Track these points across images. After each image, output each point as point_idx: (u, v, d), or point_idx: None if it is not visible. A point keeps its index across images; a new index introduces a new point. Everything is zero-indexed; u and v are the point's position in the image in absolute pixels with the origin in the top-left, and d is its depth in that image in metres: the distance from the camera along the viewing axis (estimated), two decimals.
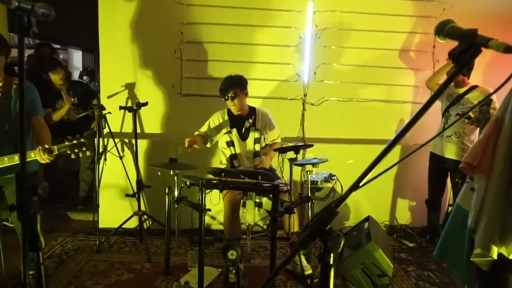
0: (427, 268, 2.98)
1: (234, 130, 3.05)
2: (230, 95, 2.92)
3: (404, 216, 3.82)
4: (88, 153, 1.98)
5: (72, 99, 3.73)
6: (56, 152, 1.97)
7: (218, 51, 3.53)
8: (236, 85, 2.92)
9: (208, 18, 3.47)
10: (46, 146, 1.96)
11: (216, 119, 3.10)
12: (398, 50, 3.63)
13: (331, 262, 0.89)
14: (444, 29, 0.88)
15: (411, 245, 3.40)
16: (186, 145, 2.85)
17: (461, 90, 3.12)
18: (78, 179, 4.09)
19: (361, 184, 0.86)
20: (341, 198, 0.87)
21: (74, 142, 1.93)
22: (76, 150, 1.93)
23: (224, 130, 3.07)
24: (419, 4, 3.57)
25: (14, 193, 2.12)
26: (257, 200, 2.89)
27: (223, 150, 3.12)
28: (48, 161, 2.01)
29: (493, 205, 1.29)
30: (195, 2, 3.45)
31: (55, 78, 3.63)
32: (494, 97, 2.74)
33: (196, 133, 3.11)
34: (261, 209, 2.98)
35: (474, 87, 3.07)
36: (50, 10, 1.11)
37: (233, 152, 3.05)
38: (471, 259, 1.36)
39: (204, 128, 3.12)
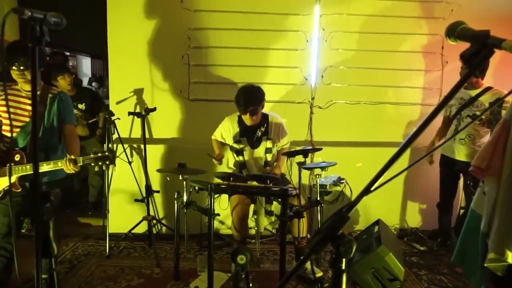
0: (439, 272, 2.94)
1: (244, 139, 3.02)
2: (249, 112, 2.85)
3: (414, 219, 3.77)
4: (112, 166, 2.07)
5: (80, 105, 3.78)
6: (81, 164, 2.04)
7: (225, 56, 3.55)
8: (256, 103, 2.84)
9: (215, 23, 3.50)
10: (72, 156, 2.02)
11: (226, 127, 3.08)
12: (406, 52, 3.61)
13: (343, 267, 0.88)
14: (455, 31, 0.88)
15: (422, 248, 3.36)
16: (217, 162, 2.96)
17: (474, 92, 3.07)
18: (87, 184, 4.13)
19: (372, 189, 0.85)
20: (353, 203, 0.86)
21: (99, 155, 1.98)
22: (100, 163, 1.98)
23: (232, 138, 3.05)
24: (426, 5, 3.55)
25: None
26: (268, 209, 2.84)
27: (233, 154, 3.12)
28: (73, 171, 2.07)
29: (504, 208, 1.27)
30: (202, 8, 3.48)
31: (63, 83, 3.68)
32: (510, 98, 2.69)
33: (213, 138, 3.18)
34: (271, 217, 2.91)
35: (488, 89, 3.02)
36: (62, 19, 1.12)
37: (242, 160, 3.03)
38: (485, 264, 1.33)
39: (218, 135, 3.16)
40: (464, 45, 0.85)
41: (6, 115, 2.23)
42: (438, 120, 3.30)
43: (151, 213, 3.34)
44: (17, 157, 2.15)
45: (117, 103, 3.57)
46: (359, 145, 3.65)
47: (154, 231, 3.44)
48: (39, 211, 1.09)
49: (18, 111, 2.21)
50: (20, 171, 2.11)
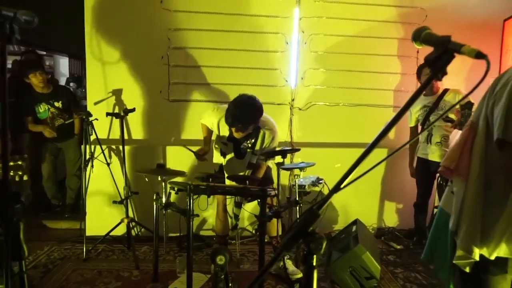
0: (414, 270, 3.02)
1: (231, 145, 2.80)
2: (236, 128, 2.54)
3: (391, 219, 3.86)
4: (25, 178, 1.61)
5: (56, 103, 3.67)
6: None
7: (206, 57, 3.55)
8: (242, 121, 2.50)
9: (195, 24, 3.49)
10: None
11: (216, 122, 2.79)
12: (383, 55, 3.70)
13: (314, 264, 0.90)
14: (420, 36, 0.92)
15: (398, 247, 3.44)
16: (200, 159, 2.85)
17: (435, 97, 3.21)
18: (64, 186, 4.04)
19: (342, 186, 0.88)
20: (323, 200, 0.88)
21: (11, 163, 1.59)
22: (11, 173, 1.59)
23: (221, 139, 2.83)
24: (403, 11, 3.65)
25: None
26: (237, 200, 2.73)
27: (216, 151, 3.06)
28: None
29: (472, 207, 1.33)
30: (182, 8, 3.47)
31: (35, 81, 3.50)
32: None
33: (202, 122, 2.92)
34: (240, 209, 2.77)
35: (446, 90, 3.20)
36: (33, 17, 1.10)
37: (222, 163, 2.91)
38: (453, 261, 1.38)
39: (208, 123, 2.88)
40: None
41: None
42: (404, 121, 3.42)
43: (130, 214, 3.30)
44: None
45: (95, 103, 3.51)
46: (338, 146, 3.71)
47: (133, 233, 3.40)
48: (9, 212, 1.07)
49: None
50: None
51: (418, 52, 3.68)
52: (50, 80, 3.87)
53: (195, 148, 2.93)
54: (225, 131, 2.76)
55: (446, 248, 1.48)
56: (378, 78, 3.74)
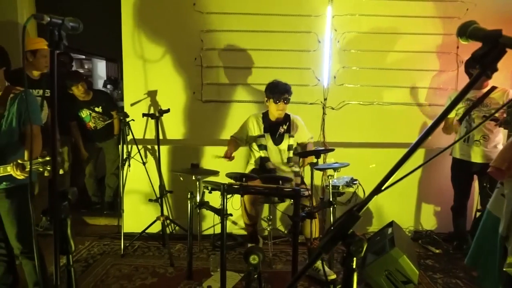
0: (455, 276, 2.89)
1: (268, 135, 3.09)
2: (283, 99, 2.97)
3: (429, 222, 3.72)
4: (61, 171, 1.77)
5: (97, 108, 3.88)
6: (28, 169, 1.85)
7: (238, 57, 3.58)
8: (288, 91, 3.00)
9: (227, 25, 3.53)
10: (19, 161, 1.87)
11: (251, 123, 3.14)
12: (420, 52, 3.57)
13: (354, 266, 0.88)
14: (467, 31, 0.87)
15: (437, 251, 3.31)
16: (226, 159, 2.94)
17: (481, 93, 3.04)
18: (103, 185, 4.22)
19: (383, 188, 0.86)
20: (364, 202, 0.86)
21: (47, 158, 1.78)
22: (48, 168, 1.78)
23: (257, 133, 3.10)
24: (441, 5, 3.50)
25: (5, 206, 2.13)
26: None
27: (255, 151, 3.15)
28: (22, 177, 1.88)
29: None
30: (214, 10, 3.51)
31: (77, 92, 3.75)
32: None
33: (232, 136, 3.18)
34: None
35: (493, 88, 3.01)
36: (79, 24, 1.16)
37: (266, 156, 3.09)
38: (504, 269, 1.31)
39: (238, 133, 3.18)
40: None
41: None
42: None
43: (165, 213, 3.38)
44: None
45: (132, 104, 3.63)
46: (372, 146, 3.63)
47: (168, 231, 3.48)
48: (58, 210, 1.12)
49: None
50: None
51: (458, 48, 3.52)
52: (89, 87, 4.09)
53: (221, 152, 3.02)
54: (259, 129, 3.08)
55: (493, 253, 1.41)
56: (414, 76, 3.61)
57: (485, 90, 3.03)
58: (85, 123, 3.92)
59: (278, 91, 2.96)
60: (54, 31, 1.06)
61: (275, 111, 3.03)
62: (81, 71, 7.56)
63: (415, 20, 3.51)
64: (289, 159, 3.12)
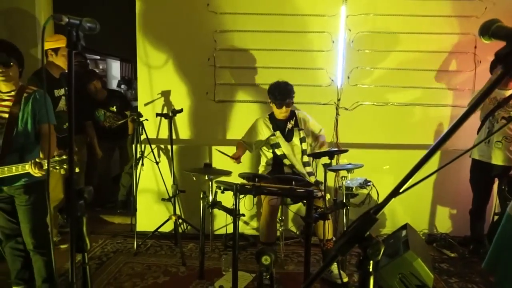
0: (471, 281, 2.83)
1: (278, 133, 3.10)
2: (285, 104, 2.99)
3: (444, 225, 3.65)
4: (77, 170, 1.84)
5: (111, 107, 3.95)
6: (45, 167, 1.92)
7: (251, 58, 3.58)
8: (290, 95, 3.01)
9: (240, 26, 3.53)
10: (37, 160, 1.94)
11: (259, 126, 3.13)
12: (436, 52, 3.50)
13: (371, 270, 0.87)
14: (490, 29, 0.85)
15: (452, 255, 3.24)
16: (234, 161, 2.91)
17: (507, 92, 2.96)
18: (117, 183, 4.27)
19: (401, 191, 0.84)
20: (381, 205, 0.85)
21: (64, 157, 1.86)
22: (65, 166, 1.85)
23: (267, 135, 3.11)
24: (457, 4, 3.43)
25: (23, 201, 2.17)
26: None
27: (265, 152, 3.15)
28: (40, 175, 1.96)
29: None
30: (228, 10, 3.52)
31: (95, 88, 3.87)
32: None
33: (240, 140, 3.16)
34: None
35: None
36: (96, 24, 1.17)
37: (282, 153, 3.09)
38: None
39: (247, 137, 3.16)
40: (499, 44, 0.82)
41: None
42: (467, 123, 3.17)
43: (177, 212, 3.40)
44: None
45: (145, 104, 3.66)
46: (386, 147, 3.58)
47: (180, 230, 3.50)
48: (74, 208, 1.13)
49: None
50: None
51: (475, 47, 3.44)
52: (103, 86, 4.16)
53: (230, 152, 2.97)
54: (269, 130, 3.11)
55: None
56: (430, 76, 3.55)
57: (510, 90, 2.94)
58: (100, 122, 3.99)
59: (280, 97, 2.98)
60: (72, 32, 1.07)
61: (279, 114, 3.07)
62: (96, 71, 7.67)
63: (431, 19, 3.45)
64: (303, 151, 3.11)
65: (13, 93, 2.16)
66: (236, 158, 2.92)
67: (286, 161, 3.09)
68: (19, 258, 2.35)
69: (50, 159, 1.87)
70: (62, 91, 3.09)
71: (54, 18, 1.01)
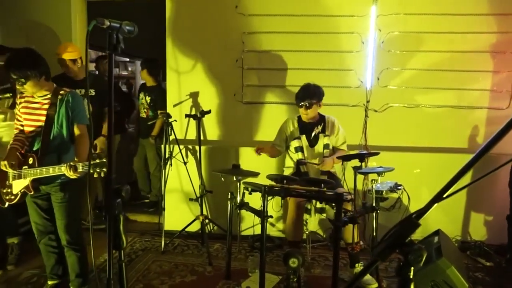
0: None
1: (303, 137, 3.08)
2: (305, 104, 2.96)
3: (479, 232, 3.50)
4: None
5: (148, 97, 4.10)
6: (80, 170, 1.99)
7: (278, 59, 3.57)
8: (312, 96, 2.96)
9: (268, 27, 3.53)
10: (72, 163, 2.00)
11: (286, 126, 3.14)
12: (471, 52, 3.37)
13: (412, 277, 0.84)
14: None
15: (488, 264, 3.11)
16: (256, 153, 2.94)
17: None
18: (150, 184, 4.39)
19: (445, 196, 0.81)
20: (423, 209, 0.82)
21: (97, 161, 1.89)
22: (97, 170, 1.87)
23: (294, 136, 3.10)
24: (494, 1, 3.30)
25: (58, 198, 2.25)
26: (318, 206, 2.86)
27: (291, 154, 3.13)
28: (75, 177, 2.02)
29: None
30: (256, 12, 3.53)
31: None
32: None
33: (272, 143, 3.17)
34: (323, 214, 2.95)
35: None
36: (134, 27, 1.20)
37: (302, 158, 3.08)
38: None
39: (277, 138, 3.17)
40: None
41: (26, 122, 2.28)
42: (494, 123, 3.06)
43: (204, 212, 3.44)
44: (30, 160, 2.18)
45: (174, 105, 3.73)
46: (417, 150, 3.48)
47: (207, 230, 3.53)
48: (112, 206, 1.16)
49: (33, 116, 2.25)
50: (32, 175, 2.14)
51: None
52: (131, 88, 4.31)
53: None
54: (296, 131, 3.10)
55: None
56: (464, 77, 3.42)
57: None
58: (140, 110, 4.18)
59: (300, 96, 2.98)
60: (112, 35, 1.10)
61: (302, 114, 3.05)
62: (125, 73, 7.89)
63: (465, 18, 3.33)
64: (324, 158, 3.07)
65: (48, 95, 2.26)
66: (259, 149, 2.95)
67: (302, 168, 3.07)
68: (53, 255, 2.44)
69: (85, 162, 1.93)
70: (83, 91, 3.19)
71: (97, 22, 1.05)
